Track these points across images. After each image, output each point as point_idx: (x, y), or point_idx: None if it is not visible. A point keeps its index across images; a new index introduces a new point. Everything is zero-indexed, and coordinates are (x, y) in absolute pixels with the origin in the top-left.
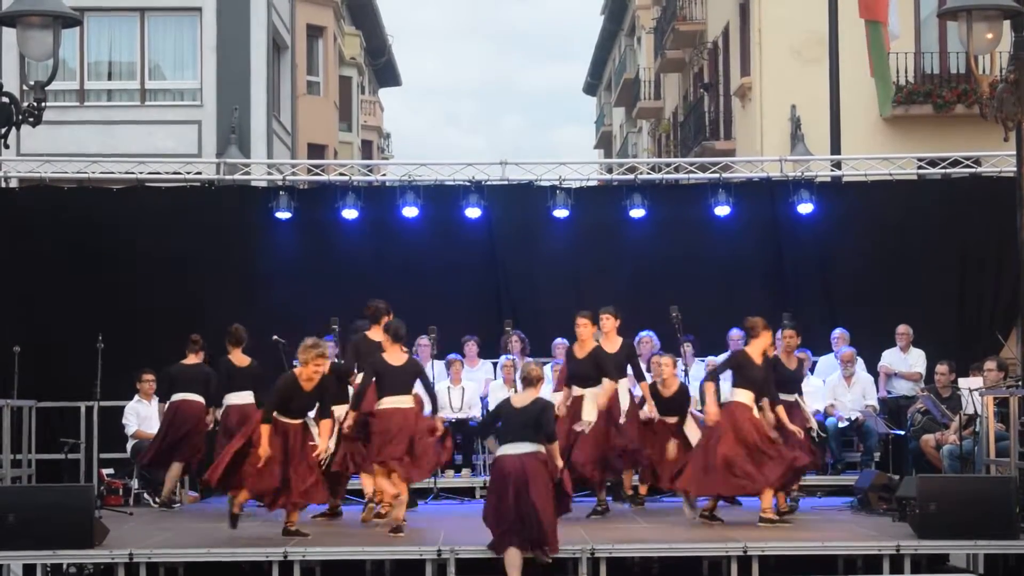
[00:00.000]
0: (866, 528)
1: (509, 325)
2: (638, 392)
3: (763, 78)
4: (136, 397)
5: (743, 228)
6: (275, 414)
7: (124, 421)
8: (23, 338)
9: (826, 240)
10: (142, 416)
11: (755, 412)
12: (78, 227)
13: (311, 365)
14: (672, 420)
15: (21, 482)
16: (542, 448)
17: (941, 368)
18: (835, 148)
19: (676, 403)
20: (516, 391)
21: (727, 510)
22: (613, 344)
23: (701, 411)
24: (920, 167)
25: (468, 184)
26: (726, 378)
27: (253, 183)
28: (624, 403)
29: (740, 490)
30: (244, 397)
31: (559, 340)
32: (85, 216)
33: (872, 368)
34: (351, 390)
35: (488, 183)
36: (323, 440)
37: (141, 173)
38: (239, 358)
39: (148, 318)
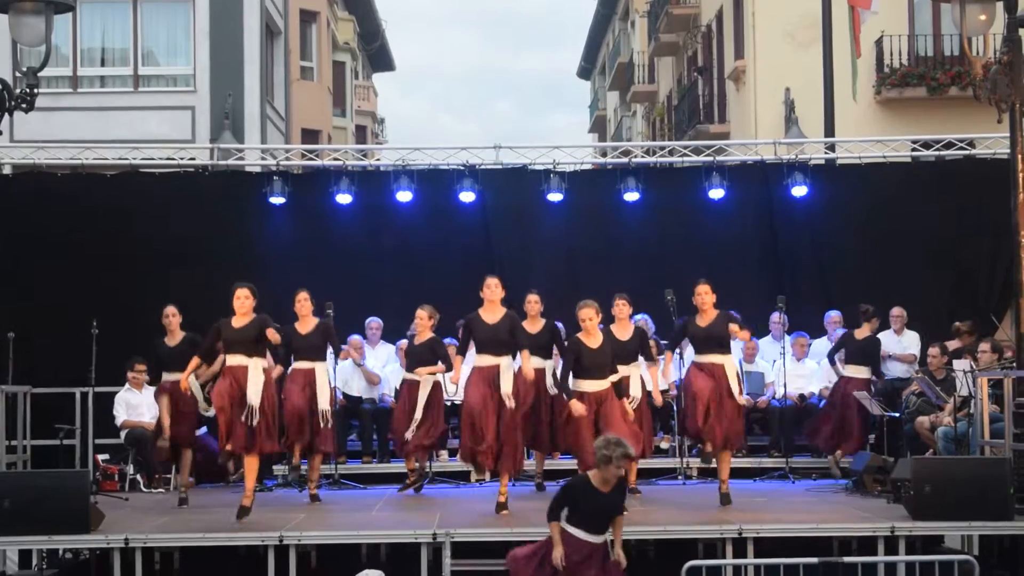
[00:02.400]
0: (861, 510)
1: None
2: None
3: (757, 61)
4: (126, 386)
5: (737, 211)
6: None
7: (114, 411)
8: (17, 324)
9: (820, 223)
10: (131, 405)
11: None
12: (72, 213)
13: (612, 467)
14: None
15: (16, 468)
16: None
17: (932, 351)
18: (829, 131)
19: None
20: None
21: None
22: (626, 331)
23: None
24: (914, 149)
25: (462, 168)
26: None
27: (247, 168)
28: (636, 390)
29: None
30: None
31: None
32: (79, 202)
33: None
34: None
35: (482, 167)
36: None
37: (135, 159)
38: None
39: (142, 303)
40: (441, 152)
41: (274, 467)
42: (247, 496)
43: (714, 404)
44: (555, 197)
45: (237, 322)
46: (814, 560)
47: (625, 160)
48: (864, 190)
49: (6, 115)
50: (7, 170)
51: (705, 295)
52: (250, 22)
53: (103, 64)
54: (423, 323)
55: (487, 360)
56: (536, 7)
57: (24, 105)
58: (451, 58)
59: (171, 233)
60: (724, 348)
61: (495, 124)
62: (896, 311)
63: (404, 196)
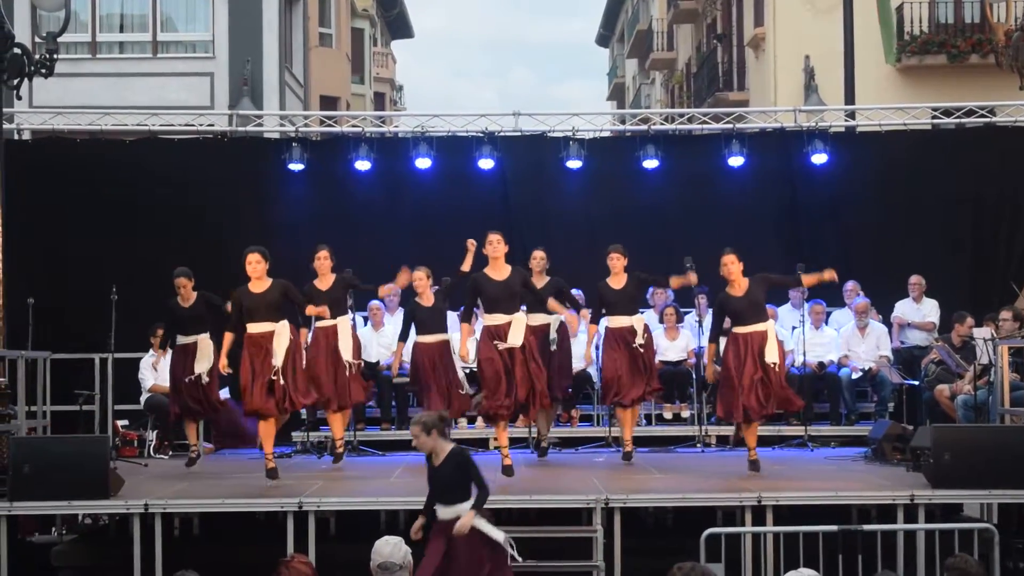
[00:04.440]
0: (880, 478)
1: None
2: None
3: (777, 28)
4: (150, 352)
5: (757, 179)
6: None
7: (140, 376)
8: (37, 290)
9: (840, 190)
10: (157, 370)
11: None
12: (91, 179)
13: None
14: None
15: (36, 433)
16: None
17: (969, 321)
18: (849, 98)
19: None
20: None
21: (740, 459)
22: (620, 281)
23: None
24: (934, 117)
25: (481, 135)
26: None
27: (266, 135)
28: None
29: None
30: None
31: (574, 291)
32: (98, 168)
33: (886, 319)
34: None
35: (501, 134)
36: None
37: (154, 125)
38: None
39: (161, 269)
40: (460, 119)
41: (292, 433)
42: (270, 460)
43: (746, 379)
44: (574, 164)
45: (256, 287)
46: (833, 528)
47: (644, 128)
48: (884, 158)
49: (25, 81)
50: (26, 136)
51: (731, 265)
52: None
53: (122, 30)
54: (424, 284)
55: (499, 319)
56: None
57: (43, 71)
58: (469, 25)
59: (190, 199)
60: (763, 315)
61: (513, 91)
62: (915, 279)
63: (423, 163)
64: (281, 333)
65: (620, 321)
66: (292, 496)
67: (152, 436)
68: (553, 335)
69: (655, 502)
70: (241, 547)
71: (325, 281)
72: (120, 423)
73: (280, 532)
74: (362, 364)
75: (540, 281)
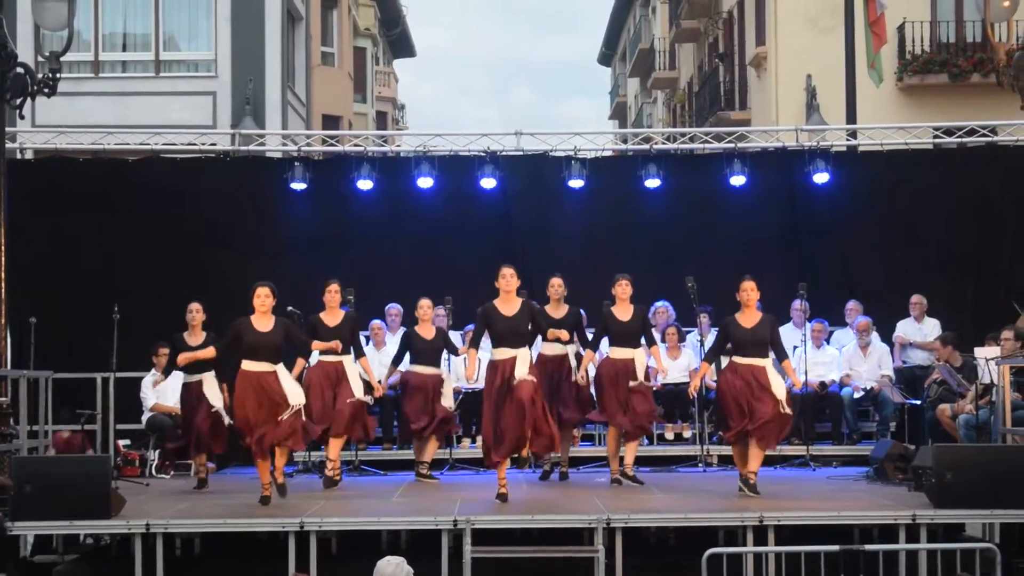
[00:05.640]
0: (882, 498)
1: (524, 295)
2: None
3: (778, 48)
4: (152, 371)
5: (759, 198)
6: None
7: (142, 395)
8: (39, 309)
9: (842, 210)
10: (159, 390)
11: None
12: (93, 198)
13: None
14: None
15: (38, 453)
16: None
17: (935, 344)
18: (851, 117)
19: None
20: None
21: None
22: (627, 312)
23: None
24: (936, 136)
25: (483, 154)
26: None
27: (268, 154)
28: (640, 371)
29: None
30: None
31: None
32: (100, 187)
33: (887, 338)
34: None
35: (503, 153)
36: None
37: (156, 144)
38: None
39: (163, 289)
40: (462, 138)
41: (294, 454)
42: (266, 488)
43: (747, 403)
44: (576, 183)
45: (260, 324)
46: (835, 548)
47: (646, 147)
48: (885, 177)
49: (28, 100)
50: (29, 155)
51: (751, 291)
52: (271, 7)
53: (124, 49)
54: (426, 313)
55: (504, 353)
56: None
57: (46, 90)
58: (470, 43)
59: (192, 219)
60: (765, 351)
61: (514, 110)
62: (915, 298)
63: (425, 182)
64: (284, 375)
65: (620, 353)
66: (294, 516)
67: (154, 456)
68: (573, 362)
69: (657, 522)
70: (243, 567)
71: (334, 316)
72: (121, 442)
73: (282, 552)
74: (371, 400)
75: (558, 310)
